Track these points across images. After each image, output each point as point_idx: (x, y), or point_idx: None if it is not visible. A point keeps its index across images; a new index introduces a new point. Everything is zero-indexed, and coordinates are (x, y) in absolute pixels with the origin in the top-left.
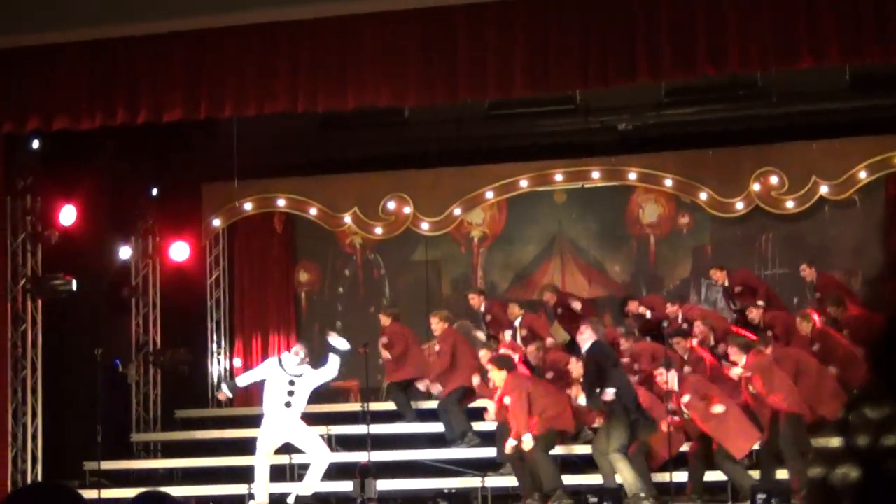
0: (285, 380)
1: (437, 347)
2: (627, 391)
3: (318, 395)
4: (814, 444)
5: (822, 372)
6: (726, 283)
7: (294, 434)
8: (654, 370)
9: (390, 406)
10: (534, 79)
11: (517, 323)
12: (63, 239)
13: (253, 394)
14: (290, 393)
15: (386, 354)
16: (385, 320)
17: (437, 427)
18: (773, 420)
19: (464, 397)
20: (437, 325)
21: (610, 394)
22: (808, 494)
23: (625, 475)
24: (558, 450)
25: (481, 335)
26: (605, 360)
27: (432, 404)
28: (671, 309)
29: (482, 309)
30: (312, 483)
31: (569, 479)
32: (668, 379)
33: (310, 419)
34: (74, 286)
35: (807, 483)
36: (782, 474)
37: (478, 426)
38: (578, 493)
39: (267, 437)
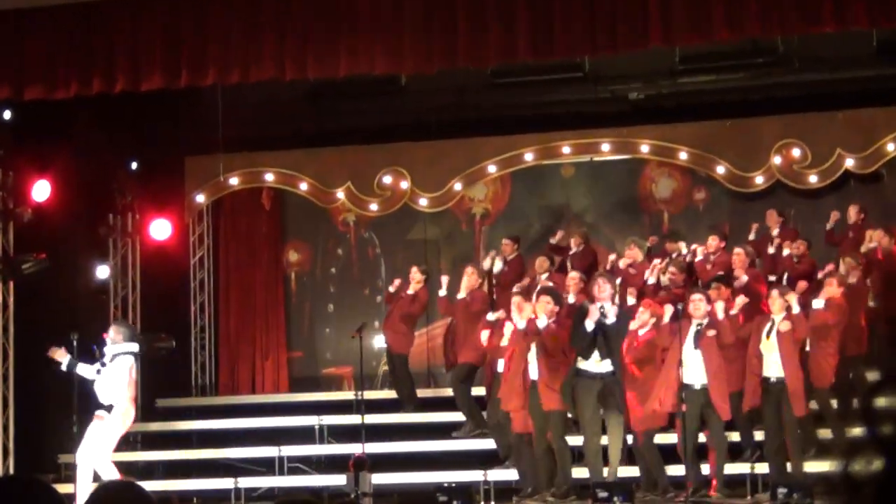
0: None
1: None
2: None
3: (309, 384)
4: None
5: None
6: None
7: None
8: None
9: (385, 394)
10: (538, 44)
11: (543, 278)
12: (36, 216)
13: (240, 383)
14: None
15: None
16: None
17: (436, 417)
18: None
19: (469, 377)
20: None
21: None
22: (829, 486)
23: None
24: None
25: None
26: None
27: (429, 393)
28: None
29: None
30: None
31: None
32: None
33: (300, 408)
34: (48, 266)
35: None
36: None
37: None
38: (587, 487)
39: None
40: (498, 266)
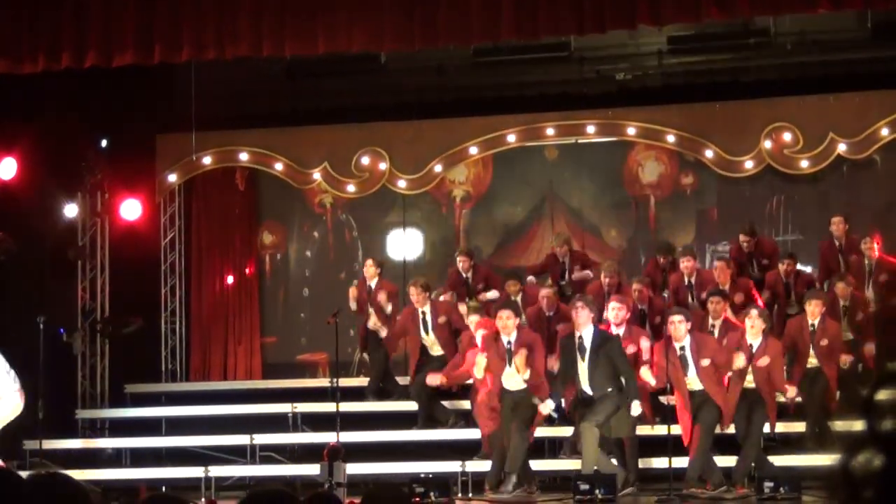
0: None
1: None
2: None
3: (283, 370)
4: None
5: None
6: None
7: None
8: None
9: (361, 382)
10: (522, 23)
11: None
12: (2, 194)
13: (211, 368)
14: None
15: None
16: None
17: (413, 406)
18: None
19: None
20: (419, 296)
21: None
22: (827, 483)
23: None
24: (544, 432)
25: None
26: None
27: (406, 381)
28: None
29: (469, 274)
30: None
31: (559, 465)
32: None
33: (273, 395)
34: (14, 247)
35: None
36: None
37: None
38: (568, 479)
39: None
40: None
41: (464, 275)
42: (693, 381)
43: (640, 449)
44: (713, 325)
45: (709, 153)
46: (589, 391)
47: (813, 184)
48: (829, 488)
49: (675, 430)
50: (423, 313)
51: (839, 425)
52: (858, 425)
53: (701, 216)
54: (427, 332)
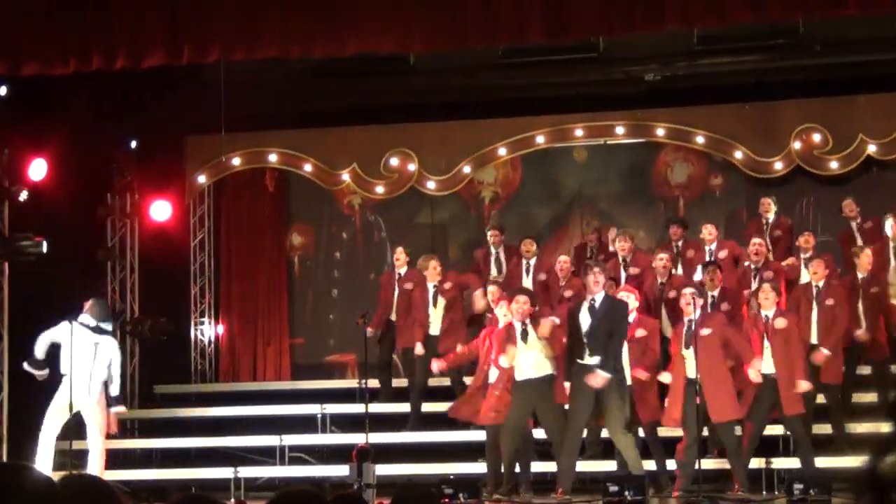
0: (90, 340)
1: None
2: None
3: (311, 371)
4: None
5: None
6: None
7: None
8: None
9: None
10: (551, 24)
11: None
12: (32, 196)
13: (240, 369)
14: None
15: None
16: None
17: (442, 407)
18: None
19: None
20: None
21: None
22: (855, 485)
23: (629, 450)
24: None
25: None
26: None
27: (434, 382)
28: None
29: (500, 249)
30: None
31: (587, 466)
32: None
33: (302, 396)
34: (45, 248)
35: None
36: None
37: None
38: (596, 480)
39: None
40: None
41: (494, 250)
42: (690, 365)
43: (664, 449)
44: (712, 296)
45: (738, 154)
46: (587, 358)
47: (842, 185)
48: (856, 490)
49: (703, 432)
50: (435, 287)
51: (867, 427)
52: (886, 427)
53: (730, 217)
54: (435, 305)
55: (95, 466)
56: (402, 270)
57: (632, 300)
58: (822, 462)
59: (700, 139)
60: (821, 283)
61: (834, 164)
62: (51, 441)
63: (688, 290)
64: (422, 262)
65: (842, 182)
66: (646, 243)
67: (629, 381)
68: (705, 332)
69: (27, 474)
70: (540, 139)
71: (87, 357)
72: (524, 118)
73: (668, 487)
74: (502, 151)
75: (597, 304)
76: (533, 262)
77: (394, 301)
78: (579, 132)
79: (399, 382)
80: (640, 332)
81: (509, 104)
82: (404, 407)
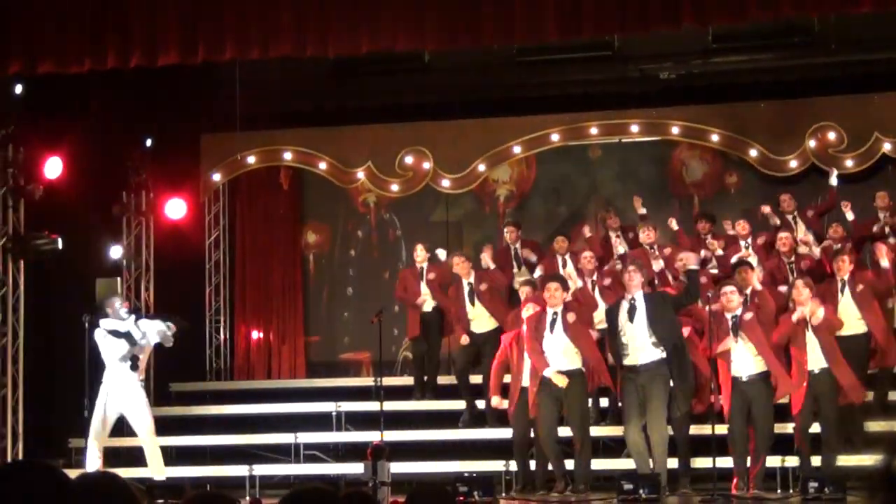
0: (117, 344)
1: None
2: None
3: (326, 369)
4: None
5: None
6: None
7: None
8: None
9: (405, 381)
10: (566, 22)
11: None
12: (48, 194)
13: (255, 367)
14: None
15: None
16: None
17: (457, 405)
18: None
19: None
20: (463, 265)
21: None
22: (869, 483)
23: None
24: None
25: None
26: None
27: (448, 380)
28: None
29: (517, 245)
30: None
31: (602, 464)
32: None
33: (317, 394)
34: (60, 245)
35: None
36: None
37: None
38: (611, 478)
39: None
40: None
41: (512, 246)
42: (738, 358)
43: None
44: (745, 294)
45: (753, 152)
46: (637, 359)
47: (857, 183)
48: (870, 489)
49: (720, 430)
50: (470, 284)
51: (881, 426)
52: None
53: (745, 215)
54: (473, 303)
55: (155, 464)
56: (424, 266)
57: None
58: (839, 460)
59: (715, 137)
60: (846, 277)
61: (849, 163)
62: (94, 442)
63: (728, 288)
64: (453, 261)
65: (857, 180)
66: (661, 242)
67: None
68: (748, 316)
69: (44, 472)
70: (555, 137)
71: (117, 358)
72: (539, 116)
73: (687, 486)
74: (517, 150)
75: (638, 303)
76: (568, 257)
77: (420, 295)
78: (594, 130)
79: (401, 381)
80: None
81: (524, 102)
82: (418, 405)
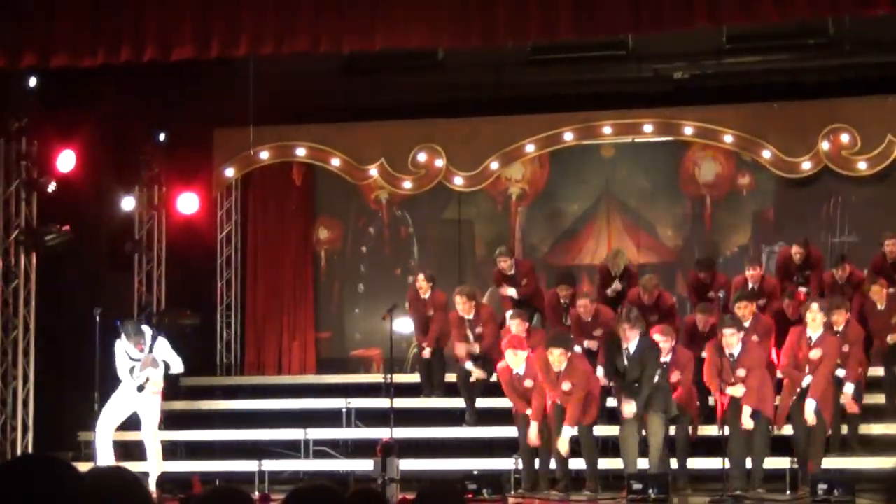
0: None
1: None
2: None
3: (337, 365)
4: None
5: None
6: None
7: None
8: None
9: (415, 378)
10: (580, 21)
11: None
12: (60, 187)
13: (266, 363)
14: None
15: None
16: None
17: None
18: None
19: None
20: (465, 304)
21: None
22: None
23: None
24: (599, 431)
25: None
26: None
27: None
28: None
29: (512, 272)
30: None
31: (611, 464)
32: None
33: (327, 390)
34: (72, 239)
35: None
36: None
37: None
38: (620, 478)
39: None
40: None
41: (507, 273)
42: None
43: (693, 448)
44: (745, 326)
45: (766, 153)
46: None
47: (870, 185)
48: (887, 491)
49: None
50: (469, 321)
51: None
52: None
53: (757, 217)
54: (472, 337)
55: (154, 460)
56: (426, 296)
57: (666, 346)
58: (847, 463)
59: (728, 138)
60: (841, 328)
61: (862, 165)
62: (107, 435)
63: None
64: (455, 297)
65: (870, 182)
66: (672, 241)
67: None
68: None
69: (54, 466)
70: (568, 136)
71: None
72: (552, 115)
73: (685, 486)
74: (530, 148)
75: (631, 349)
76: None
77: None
78: (607, 129)
79: (411, 378)
80: (675, 377)
81: (538, 101)
82: (428, 403)
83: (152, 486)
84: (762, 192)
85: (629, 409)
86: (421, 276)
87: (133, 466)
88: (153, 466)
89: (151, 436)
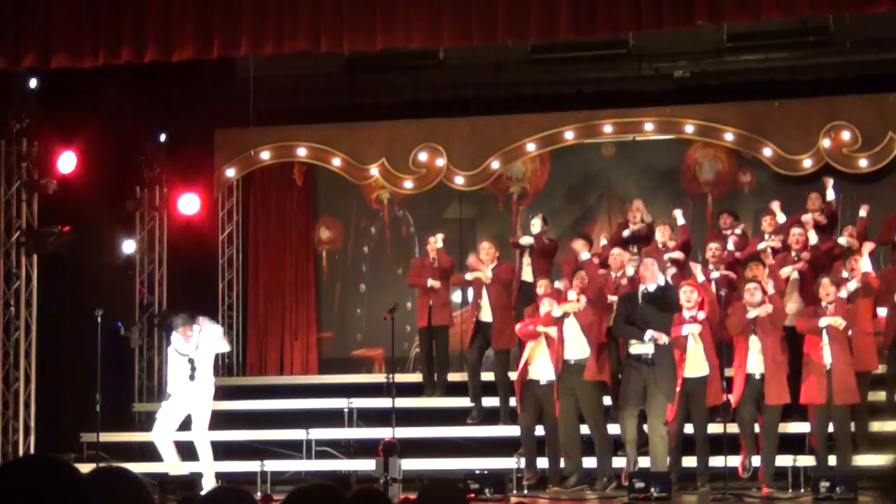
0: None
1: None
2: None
3: (339, 365)
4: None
5: None
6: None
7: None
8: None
9: (417, 378)
10: (580, 20)
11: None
12: (61, 188)
13: (268, 363)
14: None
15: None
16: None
17: (468, 402)
18: None
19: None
20: (490, 252)
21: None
22: (882, 483)
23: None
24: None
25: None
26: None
27: (461, 377)
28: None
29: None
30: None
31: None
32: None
33: (329, 390)
34: (73, 240)
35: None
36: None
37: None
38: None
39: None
40: (528, 240)
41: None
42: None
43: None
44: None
45: (767, 151)
46: (642, 348)
47: (871, 183)
48: (883, 489)
49: (732, 428)
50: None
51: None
52: None
53: (758, 214)
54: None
55: (206, 460)
56: (434, 257)
57: (693, 296)
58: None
59: (729, 136)
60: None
61: (863, 162)
62: (167, 438)
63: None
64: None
65: (871, 180)
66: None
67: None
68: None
69: (56, 467)
70: (569, 135)
71: (185, 376)
72: (553, 114)
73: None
74: (531, 147)
75: (650, 290)
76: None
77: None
78: (608, 128)
79: (413, 378)
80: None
81: (538, 100)
82: (430, 402)
83: (208, 487)
84: (764, 190)
85: (663, 338)
86: (440, 236)
87: (141, 468)
88: (206, 466)
89: (202, 436)
